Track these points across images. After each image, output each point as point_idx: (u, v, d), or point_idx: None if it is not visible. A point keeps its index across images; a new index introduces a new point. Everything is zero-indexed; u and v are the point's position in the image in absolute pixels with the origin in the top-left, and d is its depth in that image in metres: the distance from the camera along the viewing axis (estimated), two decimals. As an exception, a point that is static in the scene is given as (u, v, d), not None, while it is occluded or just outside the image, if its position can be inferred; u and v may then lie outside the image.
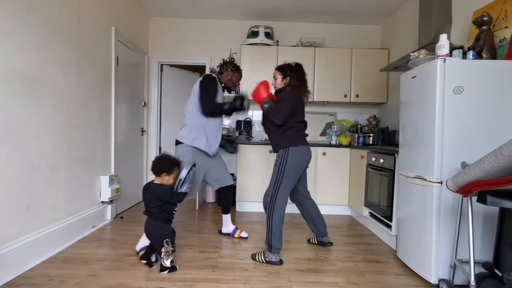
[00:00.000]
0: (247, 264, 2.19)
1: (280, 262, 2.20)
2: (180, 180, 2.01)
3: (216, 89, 2.47)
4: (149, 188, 2.08)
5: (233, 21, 4.23)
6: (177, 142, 2.49)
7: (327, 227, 2.53)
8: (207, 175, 2.59)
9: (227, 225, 2.77)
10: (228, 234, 2.76)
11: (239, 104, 2.47)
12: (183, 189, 2.02)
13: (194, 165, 2.14)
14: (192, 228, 2.99)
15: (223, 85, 2.66)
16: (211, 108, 2.43)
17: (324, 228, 2.50)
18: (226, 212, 2.75)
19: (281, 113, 2.17)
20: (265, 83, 2.29)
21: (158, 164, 2.06)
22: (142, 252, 2.17)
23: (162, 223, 2.03)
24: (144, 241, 2.25)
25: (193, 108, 2.48)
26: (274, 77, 2.40)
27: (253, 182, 3.59)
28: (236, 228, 2.77)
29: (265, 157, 3.58)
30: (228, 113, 2.53)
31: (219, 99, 2.52)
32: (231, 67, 2.63)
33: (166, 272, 1.99)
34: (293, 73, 2.32)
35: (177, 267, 2.06)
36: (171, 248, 1.99)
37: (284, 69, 2.34)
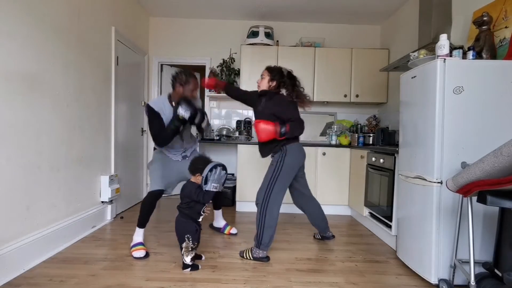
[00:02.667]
0: (247, 264, 2.19)
1: (267, 258, 2.23)
2: (203, 177, 2.03)
3: (154, 118, 2.23)
4: (184, 185, 2.14)
5: (233, 21, 4.23)
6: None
7: (327, 223, 2.57)
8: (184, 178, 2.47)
9: (218, 220, 2.84)
10: (218, 229, 2.83)
11: (179, 123, 2.18)
12: (206, 188, 2.02)
13: (219, 164, 2.09)
14: (192, 228, 2.99)
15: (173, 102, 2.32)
16: (161, 140, 2.23)
17: (325, 224, 2.56)
18: (217, 208, 2.83)
19: (300, 124, 2.21)
20: (260, 123, 2.16)
21: (193, 165, 2.11)
22: (135, 248, 2.25)
23: (186, 219, 2.05)
24: (135, 238, 2.32)
25: None
26: (261, 75, 2.35)
27: (253, 182, 3.58)
28: (227, 224, 2.84)
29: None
30: (176, 132, 2.23)
31: (167, 119, 2.26)
32: (178, 82, 2.28)
33: (188, 270, 2.03)
34: (281, 79, 2.27)
35: (200, 266, 2.09)
36: (191, 245, 2.01)
37: (273, 72, 2.29)
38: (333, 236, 2.61)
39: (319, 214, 2.53)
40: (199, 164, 2.07)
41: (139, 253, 2.24)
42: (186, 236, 2.00)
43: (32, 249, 2.03)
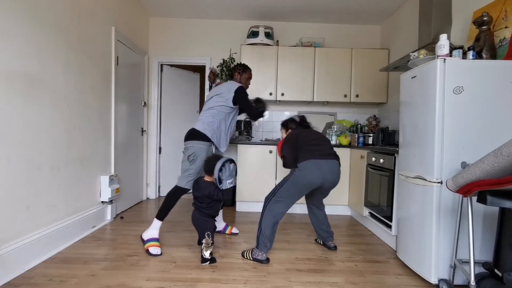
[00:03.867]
0: (247, 264, 2.19)
1: (267, 260, 2.22)
2: (215, 179, 2.14)
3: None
4: (199, 185, 2.26)
5: (233, 21, 4.23)
6: (193, 135, 2.44)
7: (333, 233, 2.54)
8: None
9: (219, 222, 2.82)
10: (219, 232, 2.83)
11: (261, 107, 2.71)
12: (223, 187, 2.14)
13: (225, 160, 2.18)
14: (192, 228, 2.97)
15: None
16: (254, 113, 2.61)
17: (329, 233, 2.51)
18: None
19: (288, 162, 2.33)
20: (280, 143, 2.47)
21: (210, 165, 2.20)
22: (152, 243, 2.31)
23: (206, 217, 2.22)
24: (152, 232, 2.37)
25: (218, 107, 2.51)
26: (281, 131, 2.67)
27: (253, 182, 3.59)
28: (227, 225, 2.86)
29: (265, 157, 3.58)
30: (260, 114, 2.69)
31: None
32: (238, 70, 2.71)
33: (207, 263, 2.14)
34: (292, 124, 2.55)
35: (217, 259, 2.20)
36: (211, 241, 2.13)
37: (284, 124, 2.61)
38: (335, 247, 2.51)
39: (325, 223, 2.50)
40: (214, 163, 2.17)
41: (156, 249, 2.27)
42: (206, 233, 2.13)
43: (32, 249, 2.03)
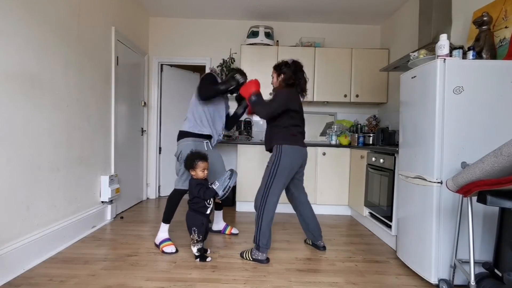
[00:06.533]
0: (247, 264, 2.19)
1: (267, 260, 2.22)
2: (216, 179, 2.18)
3: (212, 80, 2.50)
4: (189, 182, 2.28)
5: (233, 21, 4.23)
6: (179, 136, 2.51)
7: (321, 231, 2.50)
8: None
9: (218, 222, 2.83)
10: (219, 231, 2.82)
11: (234, 82, 2.45)
12: (214, 187, 2.16)
13: (234, 172, 2.22)
14: (192, 228, 2.99)
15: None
16: (206, 91, 2.41)
17: (318, 232, 2.48)
18: (218, 209, 2.81)
19: (269, 108, 2.20)
20: (254, 80, 2.29)
21: (188, 161, 2.24)
22: (165, 244, 2.36)
23: (194, 213, 2.19)
24: (161, 234, 2.41)
25: (194, 101, 2.52)
26: (271, 75, 2.43)
27: (253, 182, 3.58)
28: (227, 225, 2.85)
29: (265, 157, 3.58)
30: (224, 92, 2.48)
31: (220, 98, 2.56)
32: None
33: (197, 260, 2.17)
34: (288, 70, 2.31)
35: (209, 258, 2.20)
36: (197, 237, 2.16)
37: (279, 67, 2.36)
38: (324, 248, 2.48)
39: (313, 221, 2.45)
40: (187, 161, 2.21)
41: (170, 248, 2.33)
42: (192, 229, 2.15)
43: (32, 249, 2.03)
